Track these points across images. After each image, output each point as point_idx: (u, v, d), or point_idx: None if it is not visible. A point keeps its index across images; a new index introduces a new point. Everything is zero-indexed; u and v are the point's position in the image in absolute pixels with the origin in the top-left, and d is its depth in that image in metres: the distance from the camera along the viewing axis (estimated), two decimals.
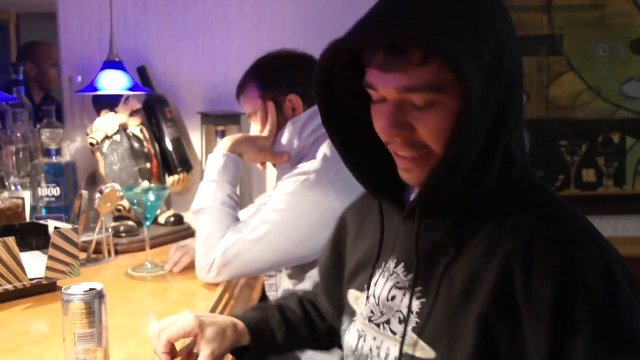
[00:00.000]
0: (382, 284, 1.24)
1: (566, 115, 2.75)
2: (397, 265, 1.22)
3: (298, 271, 2.02)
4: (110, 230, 2.35)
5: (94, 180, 2.60)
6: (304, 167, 1.97)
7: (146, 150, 2.59)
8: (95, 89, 2.40)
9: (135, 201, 2.13)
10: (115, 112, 2.55)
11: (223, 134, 2.65)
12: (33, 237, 2.11)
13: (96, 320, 1.33)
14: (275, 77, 2.10)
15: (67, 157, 2.56)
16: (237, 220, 2.00)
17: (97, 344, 1.33)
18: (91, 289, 1.34)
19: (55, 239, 1.87)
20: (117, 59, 2.45)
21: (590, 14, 2.72)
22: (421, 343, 1.13)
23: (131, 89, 2.43)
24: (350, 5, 2.74)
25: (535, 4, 2.71)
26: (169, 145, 2.66)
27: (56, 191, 2.39)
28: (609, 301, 1.03)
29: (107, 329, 1.37)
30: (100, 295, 1.34)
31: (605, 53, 2.74)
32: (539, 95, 2.74)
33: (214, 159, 2.04)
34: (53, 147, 2.42)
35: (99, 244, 2.29)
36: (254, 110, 2.12)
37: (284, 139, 2.05)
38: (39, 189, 2.40)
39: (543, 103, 2.75)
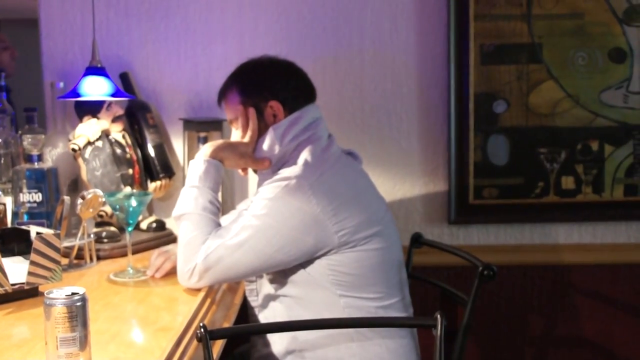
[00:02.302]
0: None
1: (545, 123, 2.78)
2: None
3: (279, 276, 2.03)
4: (92, 235, 2.35)
5: (76, 186, 2.61)
6: (285, 172, 1.98)
7: (128, 156, 2.60)
8: (78, 95, 2.40)
9: (118, 207, 2.13)
10: (98, 118, 2.55)
11: (205, 140, 2.66)
12: (15, 242, 2.11)
13: (78, 324, 1.34)
14: (257, 84, 2.12)
15: (48, 162, 2.56)
16: (219, 225, 2.01)
17: (79, 348, 1.34)
18: (73, 293, 1.35)
19: (37, 244, 1.87)
20: (99, 65, 2.45)
21: (569, 23, 2.75)
22: None
23: (113, 95, 2.43)
24: (331, 13, 2.77)
25: (514, 12, 2.74)
26: (151, 151, 2.67)
27: (38, 197, 2.39)
28: None
29: (89, 333, 1.37)
30: (82, 300, 1.35)
31: (584, 61, 2.77)
32: (519, 103, 2.77)
33: (195, 164, 2.05)
34: (35, 152, 2.42)
35: (80, 249, 2.29)
36: (235, 116, 2.13)
37: (265, 144, 2.06)
38: (21, 195, 2.39)
39: (523, 111, 2.77)
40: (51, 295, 1.34)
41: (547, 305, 2.88)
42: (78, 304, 1.34)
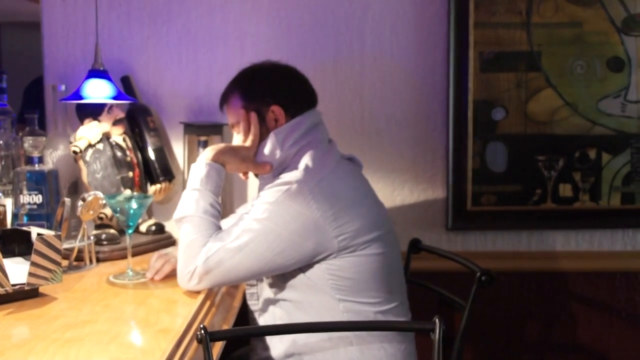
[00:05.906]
0: None
1: (544, 131, 2.79)
2: None
3: (279, 280, 2.04)
4: (91, 237, 2.36)
5: (76, 188, 2.62)
6: (286, 177, 2.00)
7: (128, 159, 2.61)
8: (80, 97, 2.41)
9: (118, 209, 2.14)
10: (99, 121, 2.56)
11: (205, 144, 2.67)
12: (15, 243, 2.12)
13: None
14: (259, 88, 2.13)
15: (49, 164, 2.57)
16: (219, 228, 2.02)
17: None
18: None
19: (38, 245, 1.87)
20: (101, 68, 2.47)
21: (568, 32, 2.77)
22: None
23: (115, 98, 2.45)
24: (332, 19, 2.78)
25: (514, 20, 2.75)
26: (151, 154, 2.68)
27: (38, 198, 2.40)
28: None
29: None
30: None
31: (583, 70, 2.78)
32: (518, 110, 2.78)
33: (196, 167, 2.06)
34: (35, 154, 2.42)
35: (80, 251, 2.30)
36: (236, 120, 2.14)
37: (266, 149, 2.07)
38: (21, 196, 2.40)
39: (521, 118, 2.79)
40: None
41: (544, 312, 2.89)
42: None
